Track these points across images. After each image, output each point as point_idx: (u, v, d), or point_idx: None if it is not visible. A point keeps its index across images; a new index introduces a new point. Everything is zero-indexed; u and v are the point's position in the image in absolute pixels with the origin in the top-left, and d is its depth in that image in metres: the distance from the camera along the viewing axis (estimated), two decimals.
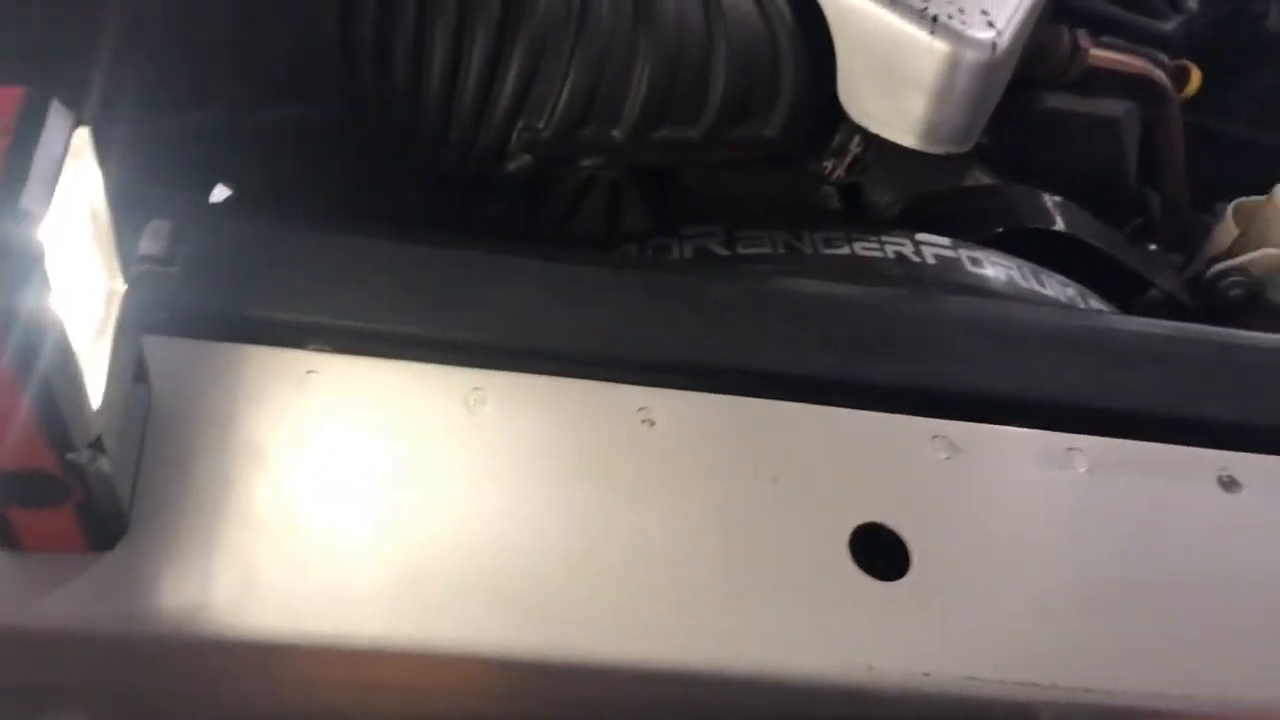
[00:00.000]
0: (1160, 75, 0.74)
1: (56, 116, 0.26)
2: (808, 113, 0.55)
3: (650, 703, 0.35)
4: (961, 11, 0.52)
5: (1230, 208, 0.73)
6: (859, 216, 0.68)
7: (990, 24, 0.52)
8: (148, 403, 0.35)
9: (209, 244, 0.40)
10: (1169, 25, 0.82)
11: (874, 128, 0.55)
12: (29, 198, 0.24)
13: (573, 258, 0.48)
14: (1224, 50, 0.97)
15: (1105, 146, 0.78)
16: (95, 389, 0.29)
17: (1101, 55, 0.72)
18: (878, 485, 0.39)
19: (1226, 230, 0.73)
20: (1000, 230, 0.68)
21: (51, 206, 0.25)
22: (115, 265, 0.31)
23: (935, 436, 0.40)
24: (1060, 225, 0.66)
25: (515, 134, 0.49)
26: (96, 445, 0.29)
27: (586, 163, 0.52)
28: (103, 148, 0.29)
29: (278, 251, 0.41)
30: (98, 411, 0.29)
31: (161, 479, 0.34)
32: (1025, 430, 0.41)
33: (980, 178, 0.74)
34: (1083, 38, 0.71)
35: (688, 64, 0.51)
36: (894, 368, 0.42)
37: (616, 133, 0.50)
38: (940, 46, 0.52)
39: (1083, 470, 0.41)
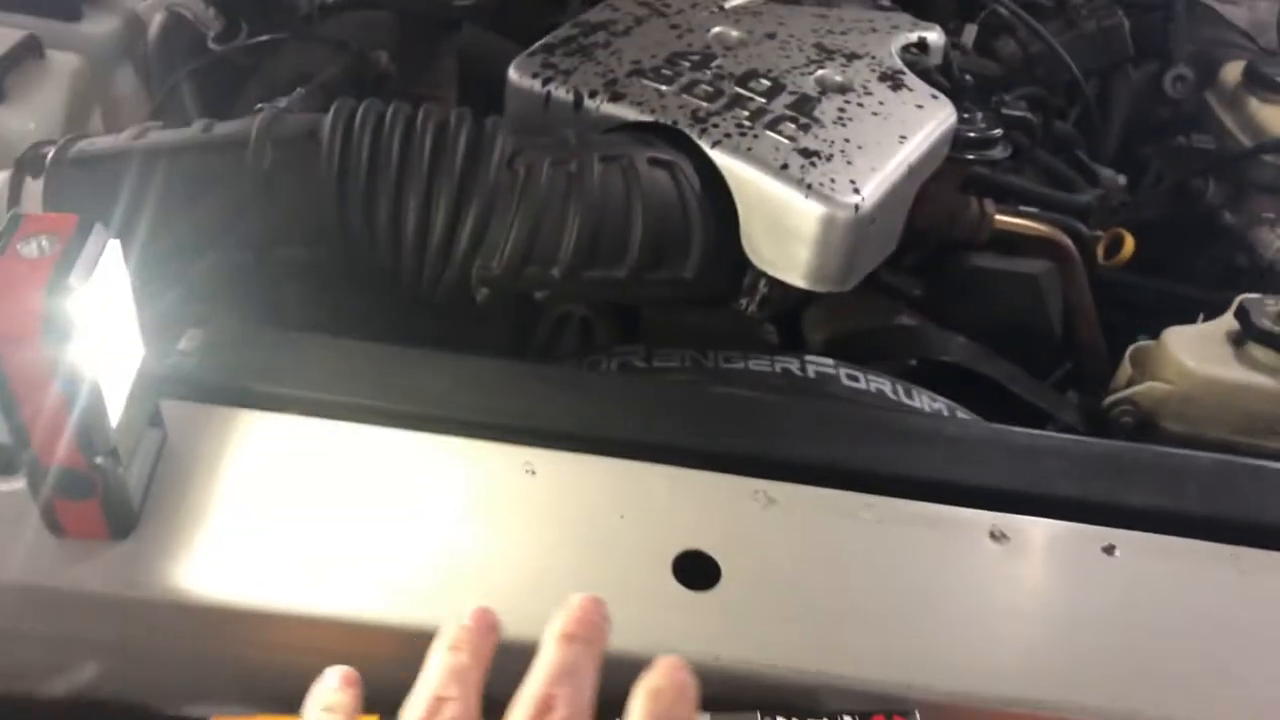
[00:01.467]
0: (1062, 237, 0.87)
1: (98, 233, 0.41)
2: (719, 259, 0.69)
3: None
4: (833, 181, 0.66)
5: (1129, 351, 0.84)
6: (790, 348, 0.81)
7: (856, 190, 0.66)
8: (161, 442, 0.49)
9: (232, 345, 0.56)
10: (1085, 197, 0.94)
11: (772, 271, 0.69)
12: (74, 278, 0.39)
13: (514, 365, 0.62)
14: (1173, 222, 1.10)
15: (1027, 300, 0.89)
16: (115, 415, 0.43)
17: (1006, 220, 0.85)
18: (703, 522, 0.51)
19: (1124, 370, 0.83)
20: (913, 362, 0.81)
21: (89, 285, 0.40)
22: (137, 336, 0.46)
23: (756, 491, 0.52)
24: (957, 358, 0.77)
25: (474, 271, 0.64)
26: (114, 455, 0.44)
27: (536, 295, 0.67)
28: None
29: (265, 349, 0.56)
30: (115, 430, 0.43)
31: (165, 493, 0.48)
32: (829, 490, 0.53)
33: (909, 322, 0.87)
34: (989, 205, 0.84)
35: (610, 220, 0.65)
36: (729, 438, 0.55)
37: (555, 271, 0.64)
38: (815, 207, 0.66)
39: (872, 520, 0.52)
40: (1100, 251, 0.97)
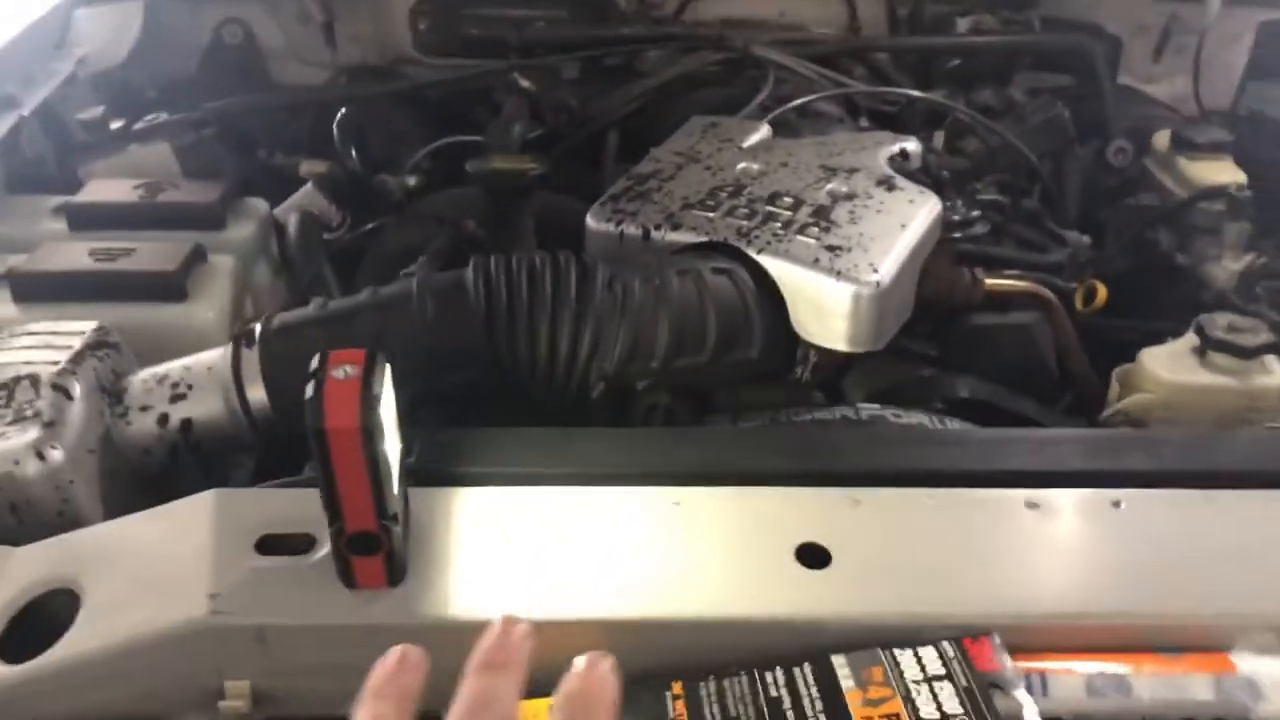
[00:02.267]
0: (1041, 290, 1.05)
1: (381, 360, 0.59)
2: (775, 339, 0.88)
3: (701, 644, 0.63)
4: (856, 266, 0.85)
5: (1114, 373, 1.02)
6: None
7: (875, 270, 0.85)
8: (410, 516, 0.67)
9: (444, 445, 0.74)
10: (1056, 256, 1.13)
11: (819, 343, 0.88)
12: (375, 388, 0.57)
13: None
14: (1136, 270, 1.29)
15: (1023, 346, 1.08)
16: (395, 488, 0.61)
17: (994, 283, 1.04)
18: (812, 523, 0.68)
19: (1114, 389, 1.01)
20: (939, 405, 0.99)
21: (386, 393, 0.58)
22: (397, 435, 0.64)
23: (845, 497, 0.70)
24: (972, 393, 0.96)
25: (592, 372, 0.83)
26: (393, 519, 0.61)
27: (640, 385, 0.85)
28: None
29: (467, 443, 0.74)
30: (395, 498, 0.61)
31: (418, 552, 0.65)
32: (899, 489, 0.70)
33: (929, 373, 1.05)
34: (978, 273, 1.04)
35: (690, 320, 0.84)
36: (818, 461, 0.72)
37: (654, 364, 0.83)
38: (846, 288, 0.85)
39: (934, 507, 0.69)
40: (1079, 301, 1.16)
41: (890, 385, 0.99)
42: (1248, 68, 1.54)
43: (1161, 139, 1.33)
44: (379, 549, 0.62)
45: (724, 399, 0.96)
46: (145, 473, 0.83)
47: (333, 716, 0.64)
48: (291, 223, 1.05)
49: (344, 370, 0.58)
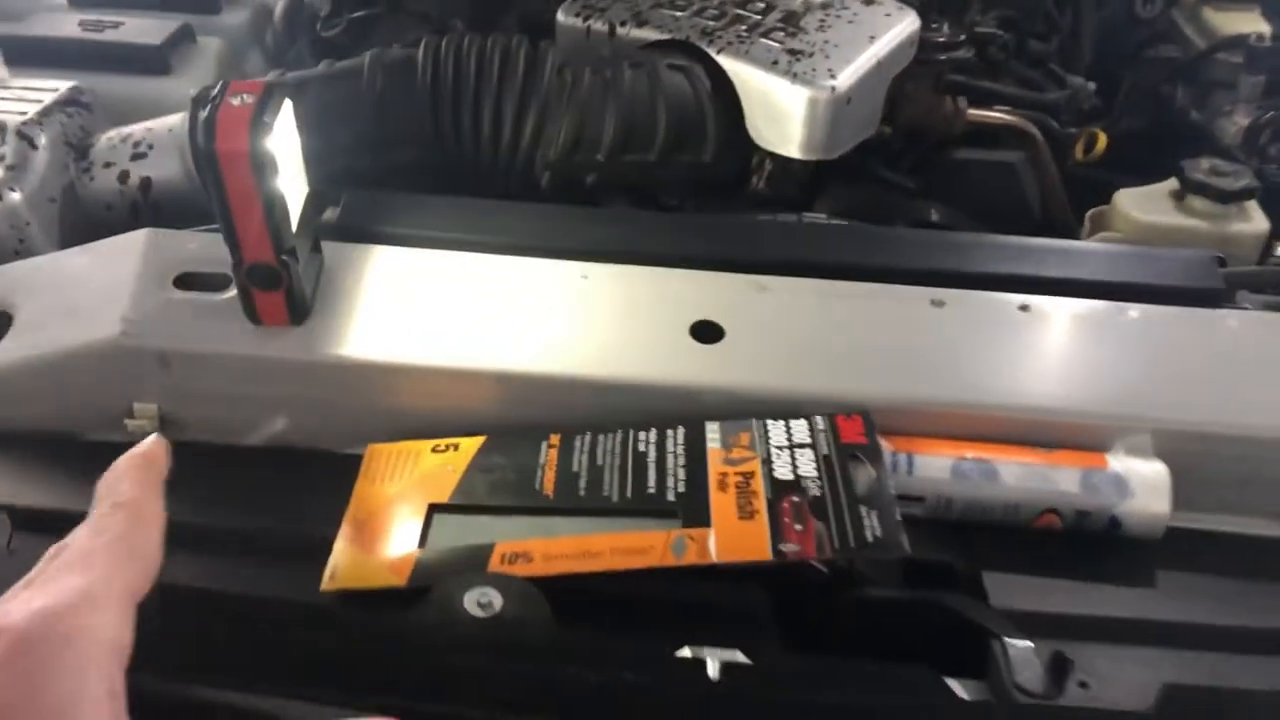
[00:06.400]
0: (1027, 125, 1.03)
1: (279, 93, 0.61)
2: (730, 144, 0.87)
3: (583, 402, 0.65)
4: (814, 71, 0.84)
5: (1088, 214, 1.00)
6: None
7: (833, 76, 0.84)
8: (321, 264, 0.69)
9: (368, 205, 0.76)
10: (1052, 95, 1.10)
11: (772, 148, 0.87)
12: (267, 117, 0.59)
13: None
14: (1149, 129, 1.25)
15: (1006, 185, 1.06)
16: (294, 223, 0.63)
17: (976, 113, 1.02)
18: (712, 303, 0.69)
19: (1085, 229, 0.99)
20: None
21: (276, 124, 0.59)
22: (303, 176, 0.66)
23: (751, 282, 0.70)
24: (937, 218, 0.95)
25: (536, 159, 0.83)
26: (292, 254, 0.63)
27: (587, 178, 0.85)
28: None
29: (393, 206, 0.76)
30: (293, 234, 0.63)
31: (327, 297, 0.68)
32: (806, 279, 0.71)
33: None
34: (961, 102, 1.01)
35: (640, 114, 0.84)
36: (730, 247, 0.73)
37: (599, 156, 0.84)
38: (801, 91, 0.84)
39: (837, 297, 0.70)
40: (1078, 150, 1.13)
41: (853, 206, 0.98)
42: None
43: None
44: (279, 284, 0.64)
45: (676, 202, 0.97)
46: (111, 229, 0.87)
47: (237, 445, 0.68)
48: (278, 6, 1.06)
49: (241, 98, 0.60)
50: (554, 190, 0.85)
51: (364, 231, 0.73)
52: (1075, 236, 1.05)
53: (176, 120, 0.85)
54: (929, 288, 0.70)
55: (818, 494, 0.58)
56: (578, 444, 0.63)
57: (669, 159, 0.85)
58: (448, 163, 0.84)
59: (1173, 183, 0.95)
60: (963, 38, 0.98)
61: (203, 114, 0.59)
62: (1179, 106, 1.23)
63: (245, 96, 0.60)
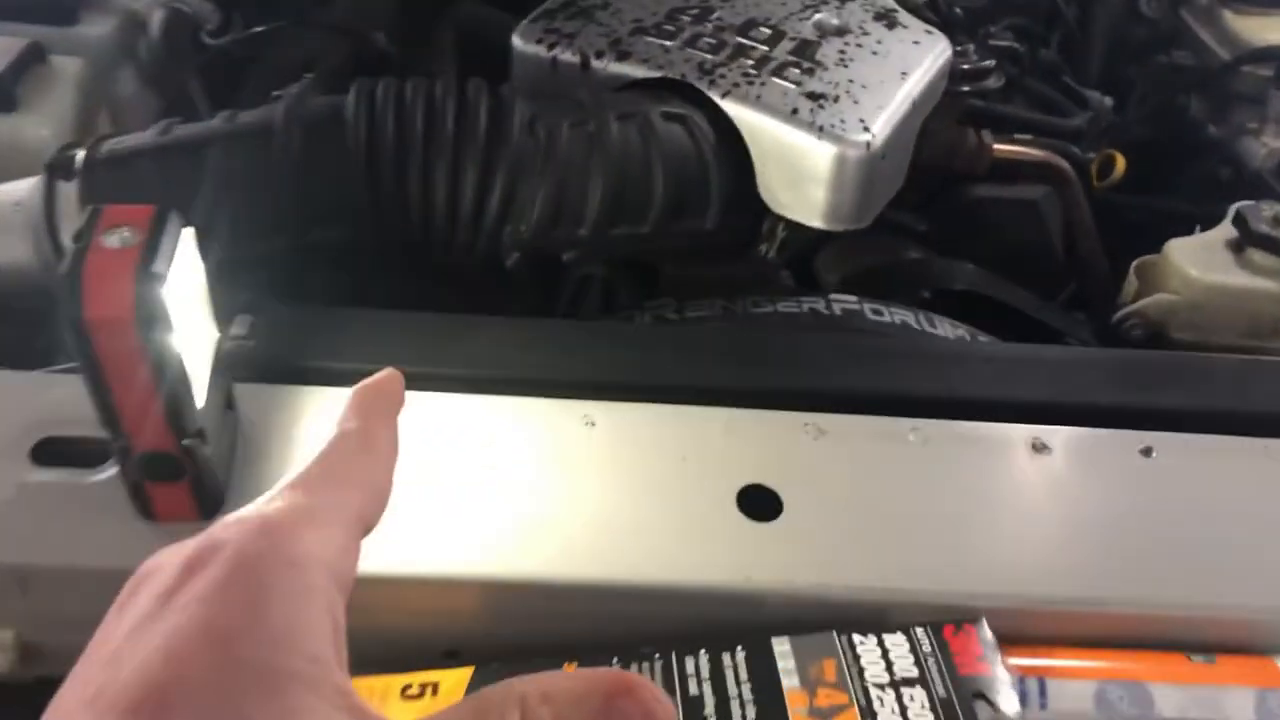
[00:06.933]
0: (1058, 160, 0.89)
1: (174, 221, 0.42)
2: (736, 208, 0.71)
3: (603, 612, 0.49)
4: (843, 121, 0.68)
5: (1133, 265, 0.86)
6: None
7: (866, 128, 0.68)
8: (236, 423, 0.51)
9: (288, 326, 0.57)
10: (1076, 121, 0.96)
11: (790, 215, 0.71)
12: (159, 265, 0.40)
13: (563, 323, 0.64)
14: (1158, 140, 1.12)
15: (1028, 225, 0.92)
16: (199, 397, 0.45)
17: (1003, 149, 0.87)
18: (760, 458, 0.53)
19: (1130, 284, 0.86)
20: (926, 295, 0.83)
21: (171, 272, 0.41)
22: (212, 321, 0.47)
23: (806, 424, 0.55)
24: (968, 285, 0.80)
25: (505, 236, 0.66)
26: (200, 435, 0.45)
27: (565, 256, 0.68)
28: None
29: (320, 326, 0.57)
30: (200, 411, 0.45)
31: (246, 472, 0.50)
32: (875, 418, 0.55)
33: (918, 255, 0.89)
34: (985, 136, 0.86)
35: (632, 177, 0.67)
36: (778, 377, 0.57)
37: (582, 231, 0.66)
38: (828, 148, 0.67)
39: (918, 442, 0.54)
40: (1094, 174, 1.00)
41: (869, 270, 0.83)
42: None
43: None
44: (182, 474, 0.46)
45: (673, 274, 0.80)
46: None
47: None
48: (154, 19, 0.85)
49: (120, 236, 0.41)
50: (520, 269, 0.68)
51: (287, 367, 0.55)
52: (1107, 282, 0.93)
53: (25, 190, 0.65)
54: (1023, 425, 0.56)
55: None
56: None
57: (665, 229, 0.68)
58: (386, 241, 0.65)
59: (1228, 230, 0.82)
60: (991, 63, 0.83)
61: (63, 264, 0.40)
62: (1193, 119, 1.10)
63: (126, 234, 0.41)
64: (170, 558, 0.32)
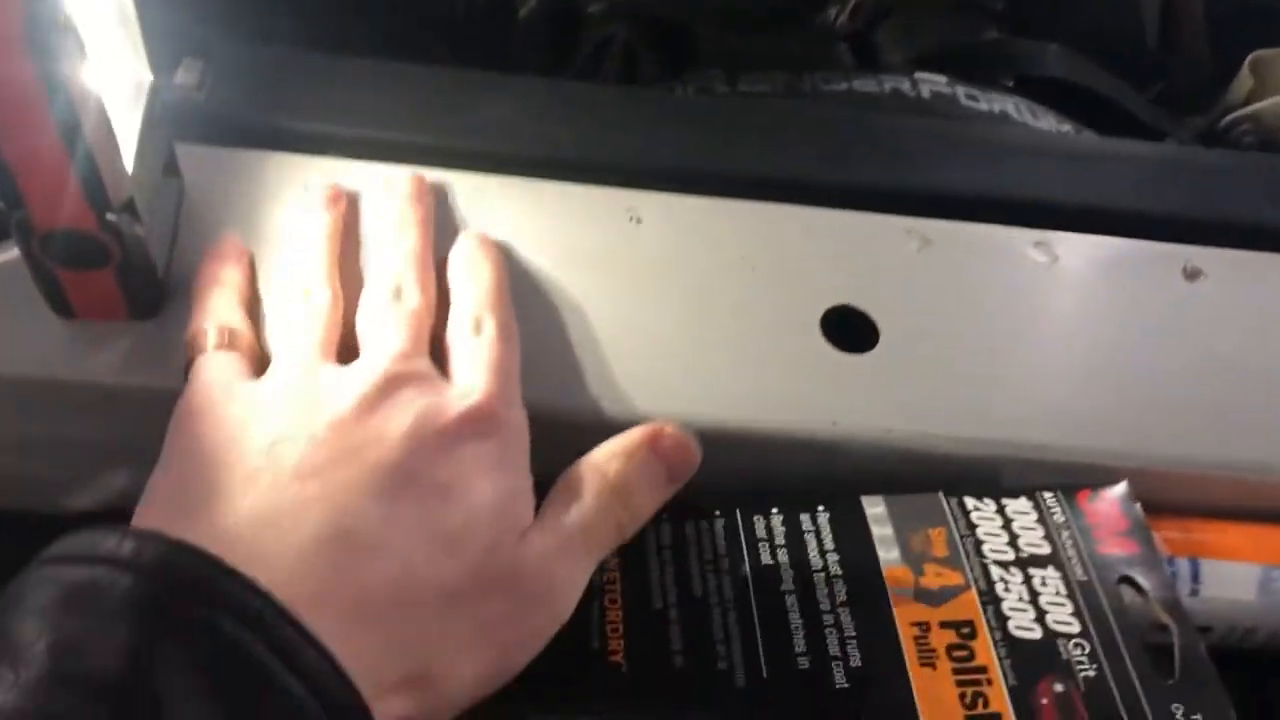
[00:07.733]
0: None
1: None
2: None
3: None
4: None
5: (1248, 60, 0.74)
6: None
7: None
8: (180, 194, 0.39)
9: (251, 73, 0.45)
10: None
11: None
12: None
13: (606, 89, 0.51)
14: None
15: (1120, 8, 0.78)
16: (128, 159, 0.33)
17: None
18: (850, 272, 0.42)
19: (1243, 82, 0.73)
20: (1010, 83, 0.70)
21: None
22: (143, 58, 0.35)
23: (909, 230, 0.43)
24: (1063, 72, 0.67)
25: None
26: (130, 209, 0.34)
27: (591, 8, 0.55)
28: None
29: (294, 76, 0.44)
30: (130, 176, 0.33)
31: (191, 261, 0.38)
32: (995, 227, 0.44)
33: (997, 35, 0.75)
34: None
35: None
36: (871, 171, 0.45)
37: None
38: None
39: (1046, 261, 0.43)
40: None
41: (942, 50, 0.69)
42: None
43: None
44: (107, 260, 0.34)
45: (712, 44, 0.67)
46: None
47: (51, 514, 0.40)
48: None
49: None
50: (534, 24, 0.55)
51: (247, 127, 0.42)
52: (1206, 80, 0.80)
53: None
54: (1167, 244, 0.45)
55: (1091, 674, 0.34)
56: (653, 549, 0.37)
57: None
58: None
59: None
60: None
61: None
62: None
63: None
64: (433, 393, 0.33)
